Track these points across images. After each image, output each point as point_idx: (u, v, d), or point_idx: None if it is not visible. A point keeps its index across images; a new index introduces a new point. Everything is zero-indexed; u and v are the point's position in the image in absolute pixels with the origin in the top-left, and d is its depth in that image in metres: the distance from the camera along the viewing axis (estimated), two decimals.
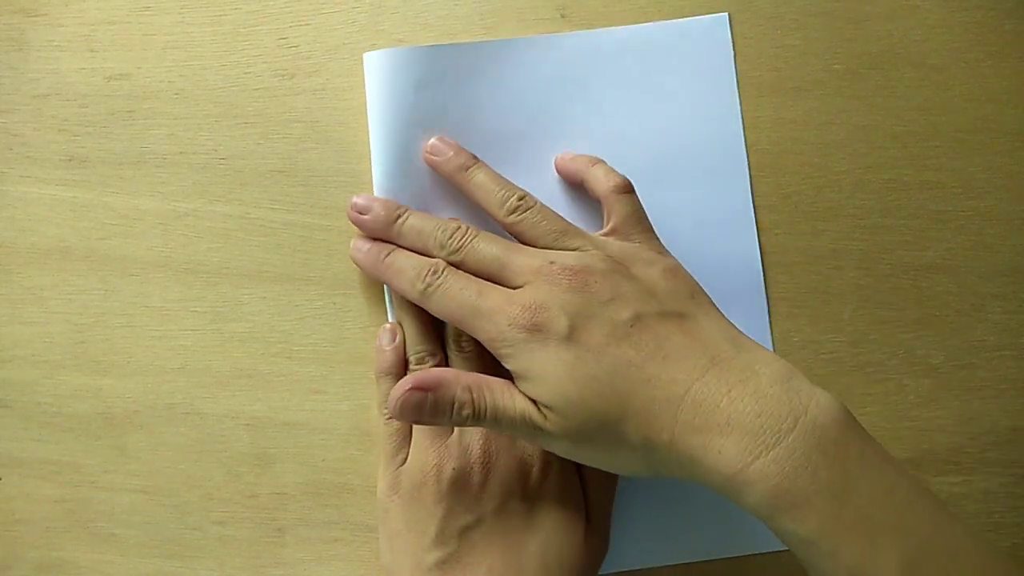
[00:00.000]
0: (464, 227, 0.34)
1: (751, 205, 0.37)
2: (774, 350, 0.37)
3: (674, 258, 0.33)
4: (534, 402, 0.30)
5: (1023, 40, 0.38)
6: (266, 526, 0.38)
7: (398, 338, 0.36)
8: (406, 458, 0.35)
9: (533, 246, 0.33)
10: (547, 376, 0.29)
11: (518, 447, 0.34)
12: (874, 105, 0.38)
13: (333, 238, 0.37)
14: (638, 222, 0.34)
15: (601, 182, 0.35)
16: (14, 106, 0.38)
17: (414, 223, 0.35)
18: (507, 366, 0.31)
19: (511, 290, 0.32)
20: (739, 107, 0.37)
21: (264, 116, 0.37)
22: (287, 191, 0.37)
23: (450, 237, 0.34)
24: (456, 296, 0.32)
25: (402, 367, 0.36)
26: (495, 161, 0.36)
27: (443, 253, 0.34)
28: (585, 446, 0.30)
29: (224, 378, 0.38)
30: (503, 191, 0.34)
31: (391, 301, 0.37)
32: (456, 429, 0.35)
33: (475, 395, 0.30)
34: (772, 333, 0.37)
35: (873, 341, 0.37)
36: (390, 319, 0.37)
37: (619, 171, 0.35)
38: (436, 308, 0.33)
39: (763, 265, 0.37)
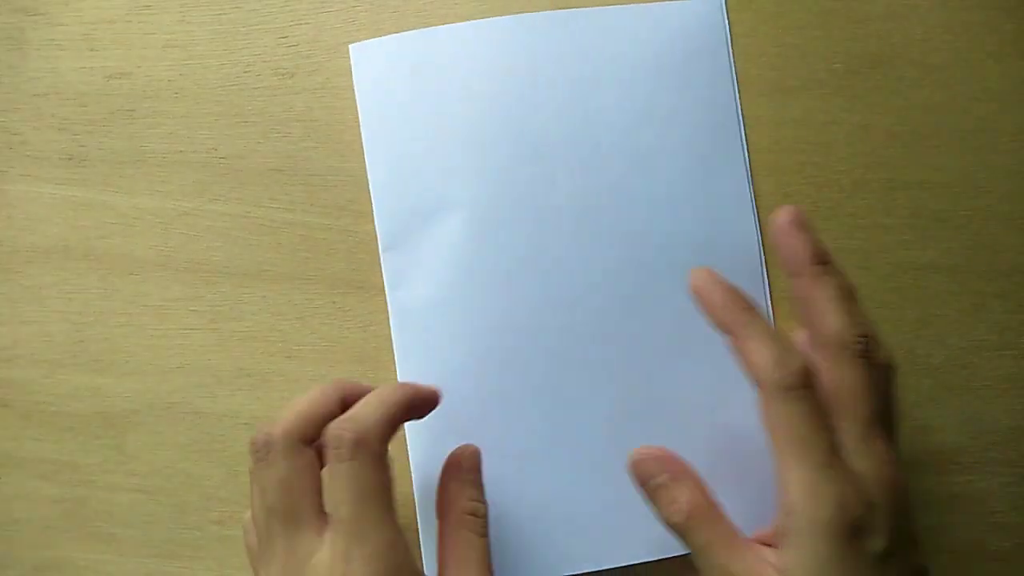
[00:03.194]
0: None
1: (752, 204, 0.37)
2: None
3: None
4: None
5: (1023, 40, 0.38)
6: None
7: None
8: None
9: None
10: None
11: None
12: (875, 104, 0.38)
13: (333, 237, 0.37)
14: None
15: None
16: (14, 105, 0.38)
17: None
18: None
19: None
20: (735, 94, 0.37)
21: (264, 115, 0.37)
22: (287, 190, 0.37)
23: None
24: None
25: None
26: (494, 144, 0.36)
27: None
28: None
29: (224, 377, 0.38)
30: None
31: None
32: None
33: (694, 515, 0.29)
34: None
35: None
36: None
37: (613, 162, 0.35)
38: None
39: (764, 265, 0.37)
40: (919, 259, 0.38)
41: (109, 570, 0.38)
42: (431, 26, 0.37)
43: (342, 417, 0.29)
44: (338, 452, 0.28)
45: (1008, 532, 0.37)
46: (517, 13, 0.37)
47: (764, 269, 0.37)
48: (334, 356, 0.37)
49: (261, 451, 0.29)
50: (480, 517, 0.32)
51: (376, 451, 0.29)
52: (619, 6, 0.37)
